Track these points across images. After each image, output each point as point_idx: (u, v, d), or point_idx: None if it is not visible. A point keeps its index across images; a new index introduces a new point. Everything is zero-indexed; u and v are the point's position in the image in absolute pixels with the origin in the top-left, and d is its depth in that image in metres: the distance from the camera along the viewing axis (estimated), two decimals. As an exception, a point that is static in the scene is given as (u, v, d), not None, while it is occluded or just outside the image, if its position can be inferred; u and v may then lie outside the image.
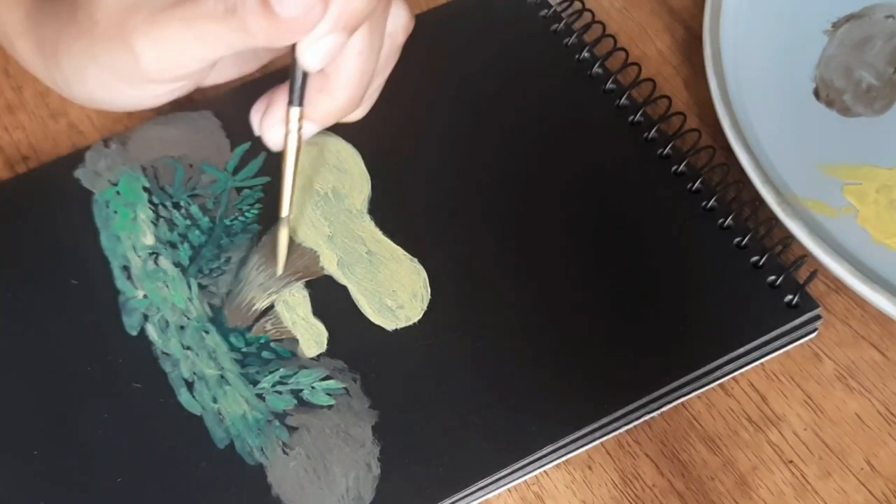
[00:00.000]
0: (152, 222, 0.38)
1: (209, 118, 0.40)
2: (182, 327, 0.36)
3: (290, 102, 0.34)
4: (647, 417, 0.34)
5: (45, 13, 0.36)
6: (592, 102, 0.40)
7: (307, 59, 0.32)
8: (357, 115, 0.38)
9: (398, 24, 0.36)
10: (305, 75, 0.33)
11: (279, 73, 0.36)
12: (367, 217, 0.38)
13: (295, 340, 0.35)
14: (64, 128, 0.42)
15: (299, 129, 0.34)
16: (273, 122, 0.35)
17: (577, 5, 0.43)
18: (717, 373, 0.34)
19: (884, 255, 0.35)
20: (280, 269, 0.36)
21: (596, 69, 0.41)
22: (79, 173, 0.39)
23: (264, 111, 0.35)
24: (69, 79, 0.36)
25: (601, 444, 0.33)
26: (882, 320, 0.36)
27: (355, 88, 0.35)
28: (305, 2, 0.30)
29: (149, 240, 0.38)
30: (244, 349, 0.35)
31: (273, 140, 0.36)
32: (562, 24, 0.43)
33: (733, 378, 0.34)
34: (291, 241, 0.37)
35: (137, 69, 0.34)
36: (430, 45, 0.42)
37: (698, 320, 0.34)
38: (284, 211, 0.36)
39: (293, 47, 0.32)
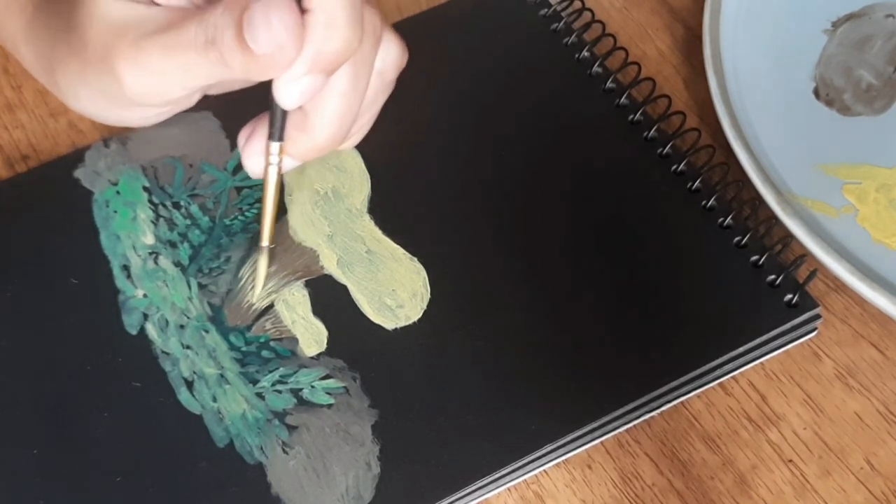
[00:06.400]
0: (152, 222, 0.38)
1: (209, 118, 0.40)
2: (182, 326, 0.36)
3: (270, 136, 0.34)
4: (646, 417, 0.34)
5: (45, 26, 0.36)
6: (592, 102, 0.40)
7: (282, 97, 0.32)
8: (346, 146, 0.37)
9: (388, 61, 0.35)
10: (285, 112, 0.33)
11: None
12: (367, 216, 0.38)
13: (294, 339, 0.35)
14: (64, 127, 0.42)
15: (279, 162, 0.34)
16: (253, 153, 0.35)
17: (577, 4, 0.43)
18: (717, 372, 0.34)
19: (883, 255, 0.35)
20: (257, 296, 0.36)
21: (596, 68, 0.41)
22: (78, 173, 0.40)
23: (247, 138, 0.35)
24: (63, 92, 0.37)
25: (601, 443, 0.33)
26: (881, 319, 0.36)
27: (336, 128, 0.34)
28: (275, 41, 0.30)
29: (149, 239, 0.38)
30: (244, 348, 0.35)
31: (253, 170, 0.35)
32: (562, 24, 0.43)
33: (733, 377, 0.34)
34: (292, 242, 0.37)
35: (122, 93, 0.34)
36: (430, 45, 0.42)
37: (698, 319, 0.34)
38: (265, 241, 0.36)
39: (271, 83, 0.32)
